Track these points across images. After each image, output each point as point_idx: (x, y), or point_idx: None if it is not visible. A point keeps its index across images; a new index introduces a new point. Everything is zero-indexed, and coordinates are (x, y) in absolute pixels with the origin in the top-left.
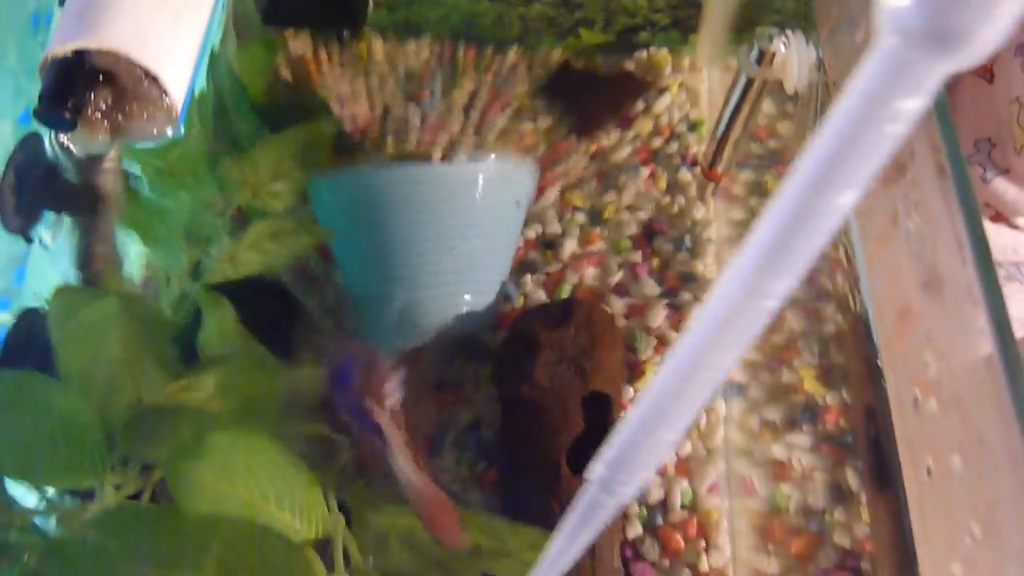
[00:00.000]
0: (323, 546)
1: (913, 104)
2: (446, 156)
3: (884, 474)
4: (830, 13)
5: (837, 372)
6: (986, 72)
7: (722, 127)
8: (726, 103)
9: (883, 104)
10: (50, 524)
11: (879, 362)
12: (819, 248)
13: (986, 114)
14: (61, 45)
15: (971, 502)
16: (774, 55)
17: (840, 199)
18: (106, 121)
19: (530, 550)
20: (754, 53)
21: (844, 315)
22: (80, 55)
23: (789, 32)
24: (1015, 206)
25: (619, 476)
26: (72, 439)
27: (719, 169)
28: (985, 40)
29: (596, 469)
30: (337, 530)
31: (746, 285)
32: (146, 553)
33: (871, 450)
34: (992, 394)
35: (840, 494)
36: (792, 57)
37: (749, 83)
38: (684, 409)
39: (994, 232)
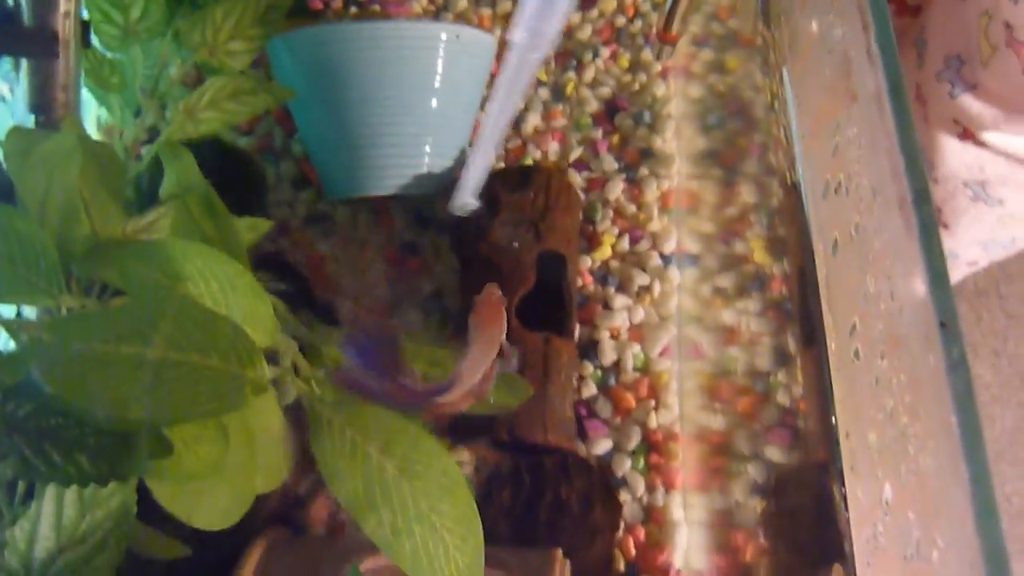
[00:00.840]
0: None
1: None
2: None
3: (811, 332)
4: None
5: (781, 243)
6: None
7: None
8: None
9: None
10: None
11: (811, 233)
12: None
13: (956, 30)
14: None
15: (865, 261)
16: None
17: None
18: None
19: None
20: None
21: (784, 189)
22: None
23: None
24: (980, 120)
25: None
26: (30, 261)
27: (673, 30)
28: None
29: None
30: (287, 345)
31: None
32: (93, 331)
33: (802, 311)
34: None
35: (782, 357)
36: None
37: None
38: None
39: (960, 150)
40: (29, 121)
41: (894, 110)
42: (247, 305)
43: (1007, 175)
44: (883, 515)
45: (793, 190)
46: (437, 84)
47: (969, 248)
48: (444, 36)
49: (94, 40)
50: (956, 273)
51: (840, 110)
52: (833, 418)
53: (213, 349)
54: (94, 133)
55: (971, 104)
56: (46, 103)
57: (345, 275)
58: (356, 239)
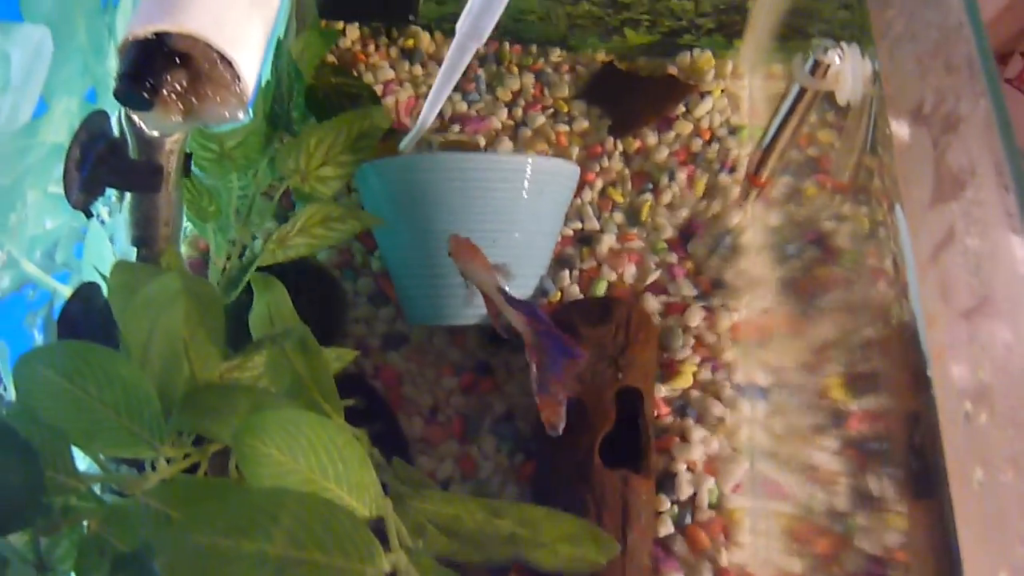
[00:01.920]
0: (374, 526)
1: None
2: (488, 148)
3: (925, 483)
4: (891, 26)
5: (865, 379)
6: (1021, 83)
7: (770, 134)
8: (776, 111)
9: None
10: (101, 492)
11: (928, 372)
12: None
13: (1020, 123)
14: (143, 26)
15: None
16: (828, 67)
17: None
18: (180, 103)
19: (564, 541)
20: (808, 64)
21: (886, 323)
22: (159, 37)
23: (844, 44)
24: None
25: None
26: (133, 410)
27: (764, 176)
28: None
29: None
30: (388, 511)
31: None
32: (214, 523)
33: (912, 458)
34: None
35: (864, 499)
36: (847, 69)
37: (801, 93)
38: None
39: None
40: (131, 253)
41: None
42: (355, 476)
43: None
44: None
45: (905, 330)
46: (521, 215)
47: None
48: (529, 168)
49: (193, 167)
50: None
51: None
52: None
53: (334, 545)
54: (183, 247)
55: None
56: (149, 237)
57: (421, 394)
58: (431, 359)
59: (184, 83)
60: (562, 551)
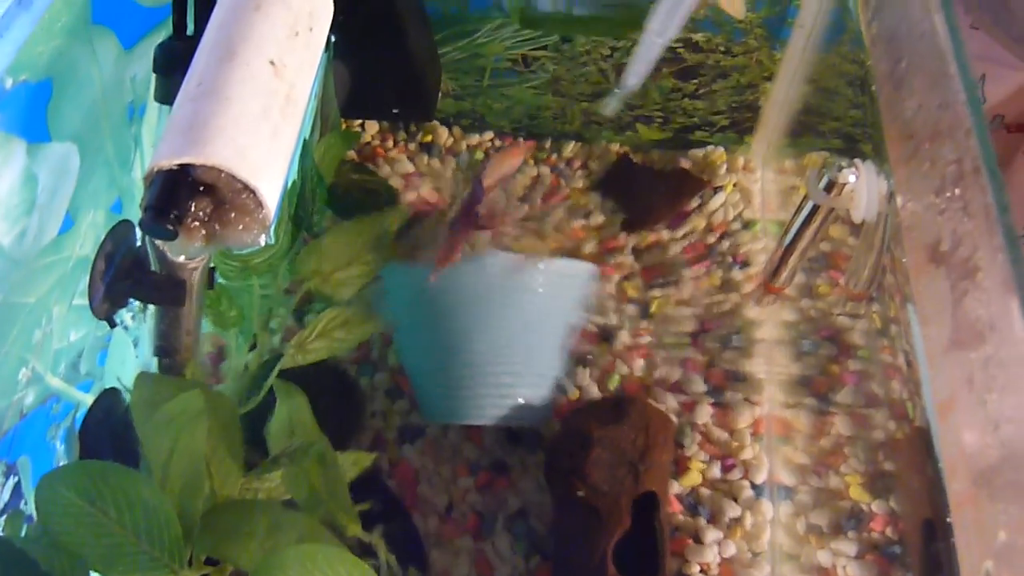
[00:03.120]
0: None
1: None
2: (507, 247)
3: None
4: (907, 147)
5: (885, 480)
6: None
7: (784, 245)
8: (790, 224)
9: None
10: None
11: (942, 477)
12: None
13: None
14: (168, 159)
15: None
16: (844, 185)
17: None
18: (204, 229)
19: None
20: (823, 181)
21: (900, 423)
22: (184, 168)
23: (859, 162)
24: None
25: None
26: (153, 534)
27: (779, 284)
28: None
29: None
30: None
31: None
32: None
33: (927, 565)
34: None
35: None
36: (861, 188)
37: (815, 209)
38: None
39: None
40: (153, 364)
41: None
42: None
43: None
44: None
45: (919, 433)
46: (539, 317)
47: None
48: (548, 276)
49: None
50: None
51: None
52: None
53: None
54: (203, 349)
55: None
56: (171, 348)
57: (436, 493)
58: (447, 454)
59: (208, 211)
60: None
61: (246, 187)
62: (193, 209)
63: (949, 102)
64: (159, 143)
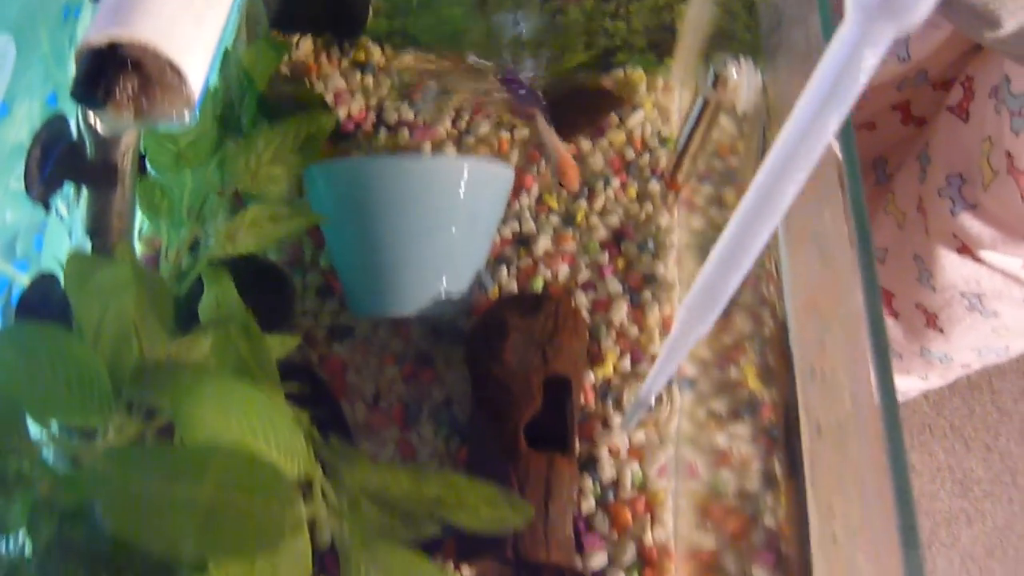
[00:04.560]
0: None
1: (874, 59)
2: (433, 153)
3: (795, 463)
4: (778, 44)
5: (770, 371)
6: (962, 112)
7: (681, 142)
8: (685, 121)
9: (855, 57)
10: (52, 459)
11: (793, 359)
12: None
13: (959, 151)
14: (97, 35)
15: (844, 457)
16: (727, 79)
17: (829, 124)
18: (132, 104)
19: (484, 504)
20: (710, 76)
21: (773, 321)
22: (113, 45)
23: (742, 58)
24: (979, 240)
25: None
26: (84, 384)
27: (679, 180)
28: (922, 8)
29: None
30: (316, 474)
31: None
32: (150, 473)
33: (787, 441)
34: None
35: (770, 481)
36: (743, 82)
37: (705, 103)
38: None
39: (958, 263)
40: (86, 244)
41: (872, 337)
42: (284, 440)
43: (1003, 290)
44: None
45: (781, 325)
46: (458, 215)
47: (963, 352)
48: (466, 171)
49: (148, 166)
50: (950, 374)
51: (826, 308)
52: None
53: (256, 492)
54: (137, 245)
55: (970, 223)
56: (102, 229)
57: (364, 383)
58: (375, 349)
59: (135, 86)
60: (483, 513)
61: (171, 65)
62: (122, 83)
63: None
64: (91, 22)
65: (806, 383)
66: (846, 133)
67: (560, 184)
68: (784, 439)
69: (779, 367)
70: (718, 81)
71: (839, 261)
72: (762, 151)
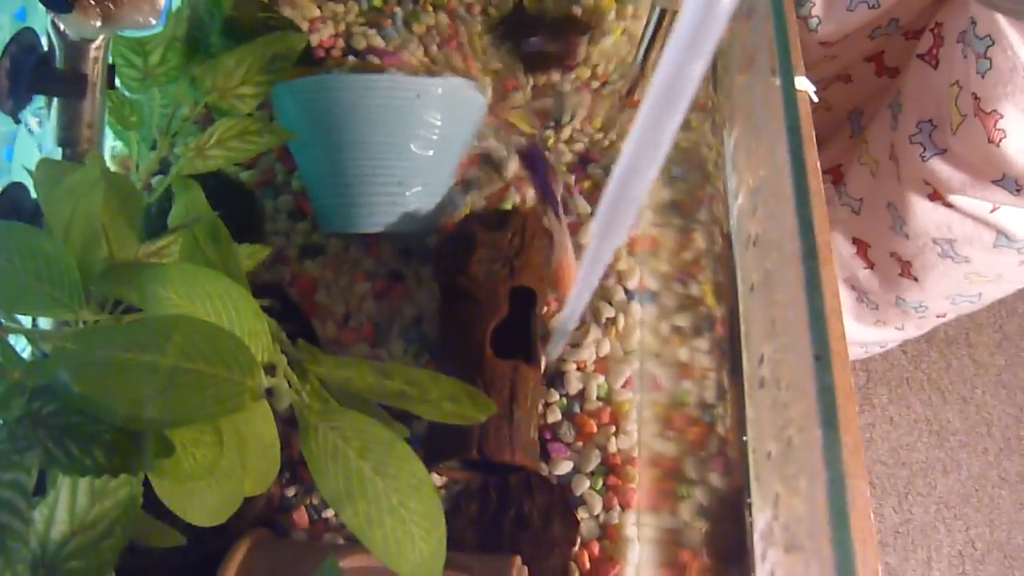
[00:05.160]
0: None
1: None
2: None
3: (737, 368)
4: None
5: (721, 287)
6: (932, 58)
7: (640, 56)
8: (643, 34)
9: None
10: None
11: (737, 277)
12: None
13: (929, 97)
14: None
15: (771, 302)
16: None
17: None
18: (98, 8)
19: (448, 400)
20: None
21: (722, 238)
22: None
23: None
24: (949, 184)
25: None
26: (54, 278)
27: (636, 96)
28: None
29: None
30: (279, 359)
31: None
32: (114, 341)
33: (732, 349)
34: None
35: (722, 392)
36: None
37: (663, 14)
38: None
39: (930, 210)
40: (57, 154)
41: (795, 184)
42: (247, 324)
43: (973, 236)
44: (773, 515)
45: (727, 240)
46: (425, 132)
47: (938, 301)
48: (435, 89)
49: (117, 82)
50: (926, 324)
51: (759, 177)
52: (745, 438)
53: (218, 359)
54: (109, 163)
55: (940, 168)
56: (73, 138)
57: (335, 301)
58: (346, 267)
59: None
60: (445, 407)
61: None
62: None
63: None
64: None
65: (743, 254)
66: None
67: (552, 286)
68: (730, 349)
69: (726, 281)
70: None
71: (770, 132)
72: (712, 68)
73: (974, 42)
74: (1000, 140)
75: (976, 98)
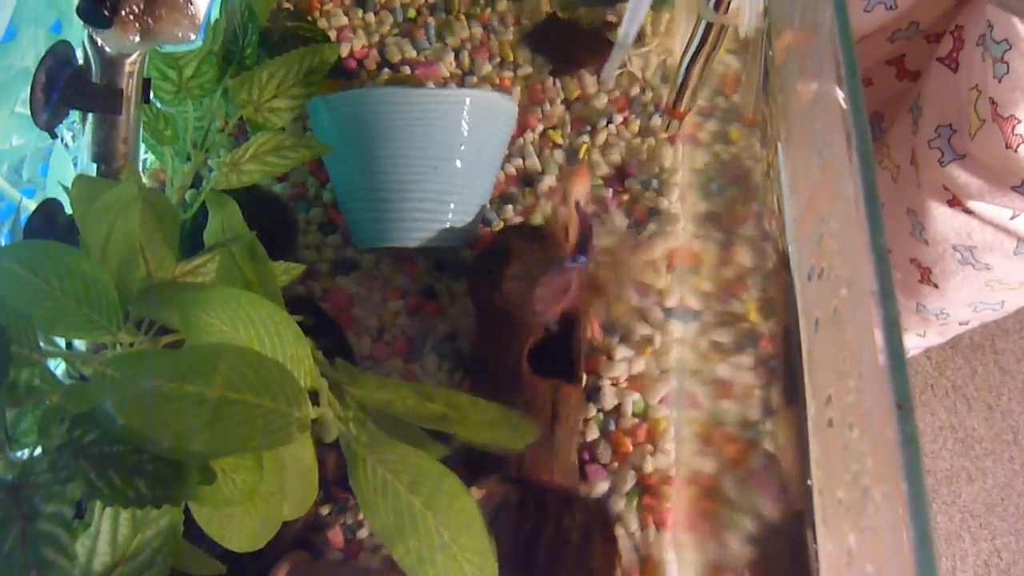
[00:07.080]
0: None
1: None
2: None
3: (793, 391)
4: None
5: (771, 304)
6: (951, 62)
7: (684, 68)
8: (688, 46)
9: None
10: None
11: (795, 290)
12: None
13: (949, 101)
14: None
15: (841, 342)
16: (730, 3)
17: None
18: (137, 23)
19: (487, 425)
20: (712, 0)
21: (776, 254)
22: None
23: None
24: (968, 190)
25: None
26: (92, 300)
27: (681, 107)
28: None
29: None
30: (322, 385)
31: None
32: (160, 371)
33: (786, 369)
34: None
35: (768, 409)
36: (744, 5)
37: (708, 28)
38: None
39: (949, 216)
40: (92, 170)
41: (869, 218)
42: (290, 349)
43: (993, 242)
44: (847, 565)
45: (782, 257)
46: (461, 146)
47: (959, 309)
48: (468, 101)
49: (152, 96)
50: (948, 332)
51: (824, 206)
52: (809, 475)
53: (265, 390)
54: (142, 177)
55: (959, 173)
56: (108, 154)
57: (368, 316)
58: (379, 283)
59: (141, 5)
60: (484, 433)
61: None
62: (127, 1)
63: None
64: None
65: (805, 285)
66: (843, 24)
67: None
68: (784, 369)
69: (780, 298)
70: (720, 4)
71: (836, 159)
72: (764, 78)
73: (992, 46)
74: (1018, 145)
75: (994, 103)
